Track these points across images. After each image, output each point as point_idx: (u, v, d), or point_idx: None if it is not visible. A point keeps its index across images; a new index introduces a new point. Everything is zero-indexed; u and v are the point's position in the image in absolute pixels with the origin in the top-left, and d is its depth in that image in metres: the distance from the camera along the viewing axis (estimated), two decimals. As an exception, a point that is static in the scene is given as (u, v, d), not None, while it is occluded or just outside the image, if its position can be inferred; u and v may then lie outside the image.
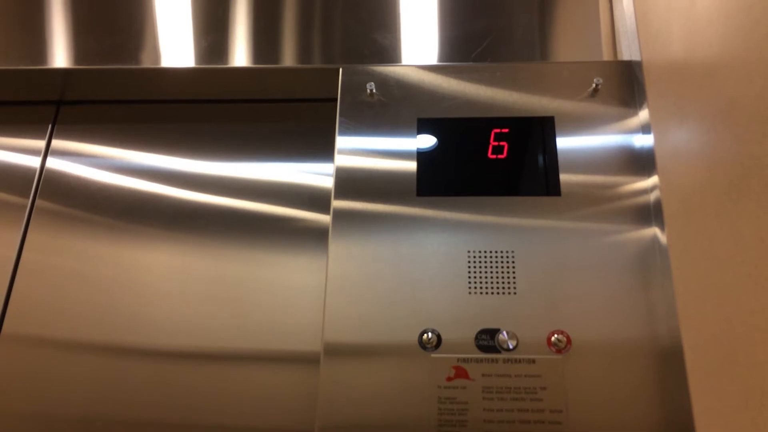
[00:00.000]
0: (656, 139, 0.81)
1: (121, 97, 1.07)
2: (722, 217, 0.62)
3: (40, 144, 1.06)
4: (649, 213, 0.82)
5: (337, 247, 0.83)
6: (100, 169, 1.03)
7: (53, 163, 1.05)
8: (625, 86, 0.89)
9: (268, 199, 0.99)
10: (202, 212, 0.98)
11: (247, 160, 1.01)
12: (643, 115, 0.85)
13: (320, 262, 0.94)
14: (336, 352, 0.78)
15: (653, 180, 0.82)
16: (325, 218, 0.97)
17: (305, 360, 0.89)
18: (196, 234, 0.97)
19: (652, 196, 0.82)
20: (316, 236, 0.96)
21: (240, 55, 0.99)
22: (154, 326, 0.92)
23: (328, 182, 0.99)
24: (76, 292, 0.95)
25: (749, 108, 0.56)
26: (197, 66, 0.98)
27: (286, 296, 0.92)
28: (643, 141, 0.85)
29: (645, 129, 0.85)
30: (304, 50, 0.99)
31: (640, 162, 0.84)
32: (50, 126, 1.08)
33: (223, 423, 0.86)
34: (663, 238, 0.78)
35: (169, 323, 0.92)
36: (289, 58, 0.98)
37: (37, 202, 1.02)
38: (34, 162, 1.05)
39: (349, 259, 0.83)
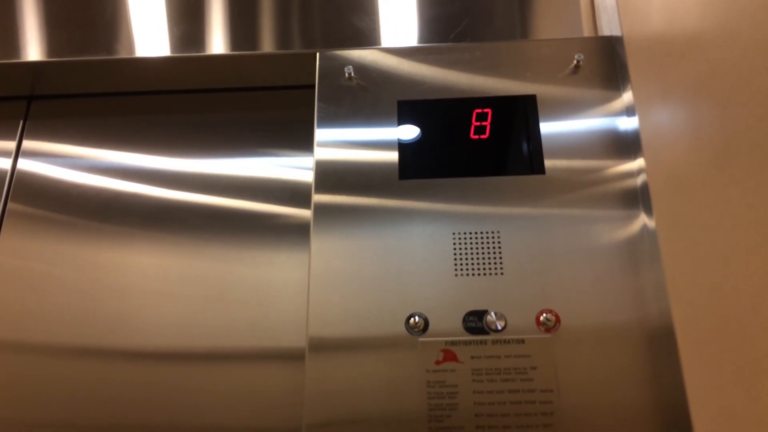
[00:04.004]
0: (640, 114, 0.80)
1: (94, 90, 1.04)
2: (709, 186, 0.61)
3: (11, 145, 1.03)
4: (636, 186, 0.81)
5: (319, 239, 0.82)
6: (73, 169, 1.01)
7: (25, 164, 1.02)
8: (607, 62, 0.88)
9: (247, 195, 0.96)
10: (179, 210, 0.96)
11: (224, 156, 0.99)
12: (626, 91, 0.84)
13: (303, 257, 0.92)
14: (321, 346, 0.76)
15: (639, 162, 0.81)
16: (306, 213, 0.95)
17: (291, 356, 0.87)
18: (174, 233, 0.95)
19: (639, 179, 0.81)
20: (298, 231, 0.94)
21: (215, 42, 0.97)
22: (134, 327, 0.90)
23: (308, 176, 0.97)
24: (53, 294, 0.92)
25: (732, 70, 0.55)
26: (171, 55, 0.96)
27: (269, 293, 0.91)
28: (628, 120, 0.84)
29: (629, 107, 0.84)
30: (280, 36, 0.97)
31: (625, 139, 0.83)
32: (21, 122, 1.05)
33: (208, 423, 0.85)
34: (650, 220, 0.77)
35: (149, 324, 0.90)
36: (265, 45, 0.96)
37: (9, 204, 0.99)
38: (4, 164, 1.02)
39: (332, 251, 0.81)
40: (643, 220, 0.79)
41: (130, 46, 0.97)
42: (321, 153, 0.86)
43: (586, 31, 0.93)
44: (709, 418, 0.63)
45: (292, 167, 0.98)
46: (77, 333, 0.90)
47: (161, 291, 0.91)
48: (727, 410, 0.59)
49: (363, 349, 0.76)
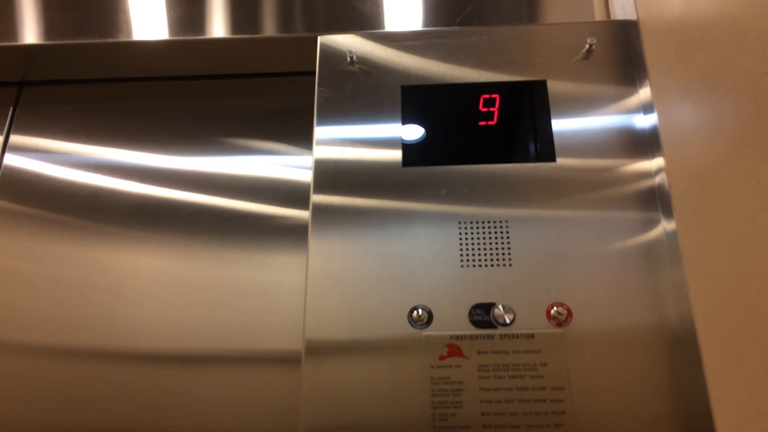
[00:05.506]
0: (657, 105, 0.76)
1: (88, 75, 1.01)
2: (735, 165, 0.56)
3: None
4: (652, 173, 0.77)
5: (318, 235, 0.77)
6: (62, 165, 0.97)
7: (11, 160, 0.98)
8: (621, 47, 0.84)
9: (244, 195, 0.93)
10: (172, 209, 0.92)
11: (219, 152, 0.95)
12: (642, 83, 0.81)
13: (301, 259, 0.88)
14: (318, 349, 0.72)
15: (658, 160, 0.77)
16: (304, 214, 0.91)
17: (288, 360, 0.83)
18: (166, 232, 0.91)
19: (655, 172, 0.77)
20: (296, 232, 0.90)
21: (215, 25, 0.93)
22: (124, 328, 0.86)
23: (306, 175, 0.94)
24: (40, 293, 0.89)
25: (764, 37, 0.52)
26: (169, 38, 0.92)
27: (265, 295, 0.87)
28: (645, 113, 0.80)
29: (645, 101, 0.80)
30: (281, 21, 0.93)
31: (641, 132, 0.80)
32: (11, 110, 1.01)
33: (200, 428, 0.80)
34: (669, 221, 0.73)
35: (140, 325, 0.86)
36: (266, 29, 0.93)
37: None
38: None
39: (332, 240, 0.77)
40: (660, 213, 0.75)
41: (127, 29, 0.94)
42: (320, 151, 0.82)
43: (598, 15, 0.89)
44: (735, 421, 0.59)
45: (290, 166, 0.94)
46: (65, 333, 0.86)
47: (153, 291, 0.88)
48: (755, 412, 0.55)
49: (363, 347, 0.72)
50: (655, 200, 0.75)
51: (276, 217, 0.91)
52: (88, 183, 0.95)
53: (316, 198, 0.80)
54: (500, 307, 0.72)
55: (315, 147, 0.82)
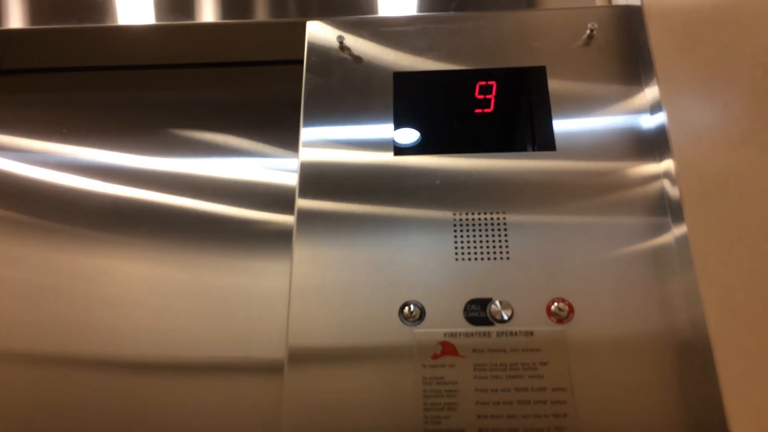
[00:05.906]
0: (662, 93, 0.72)
1: (67, 63, 0.97)
2: (750, 144, 0.53)
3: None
4: (653, 149, 0.73)
5: (304, 204, 0.73)
6: (34, 165, 0.92)
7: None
8: (623, 33, 0.80)
9: (227, 199, 0.88)
10: (149, 212, 0.87)
11: (199, 153, 0.91)
12: (646, 63, 0.77)
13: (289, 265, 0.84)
14: (302, 356, 0.67)
15: (667, 163, 0.73)
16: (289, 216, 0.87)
17: (275, 368, 0.79)
18: (143, 236, 0.86)
19: (665, 181, 0.73)
20: (282, 234, 0.86)
21: (204, 11, 0.89)
22: (99, 336, 0.81)
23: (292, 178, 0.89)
24: (12, 299, 0.83)
25: (782, 7, 0.48)
26: (155, 23, 0.88)
27: (250, 302, 0.82)
28: (649, 92, 0.76)
29: (648, 78, 0.76)
30: (272, 6, 0.90)
31: (648, 134, 0.76)
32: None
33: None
34: (680, 226, 0.69)
35: (115, 332, 0.81)
36: (257, 15, 0.89)
37: None
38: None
39: (318, 231, 0.72)
40: (668, 218, 0.70)
41: (111, 13, 0.90)
42: (308, 133, 0.78)
43: (599, 0, 0.86)
44: (752, 423, 0.55)
45: (276, 168, 0.90)
46: (36, 339, 0.81)
47: (130, 297, 0.83)
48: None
49: (351, 348, 0.67)
50: (663, 202, 0.71)
51: (260, 222, 0.87)
52: (60, 183, 0.90)
53: (301, 202, 0.75)
54: (497, 302, 0.68)
55: (302, 130, 0.78)
